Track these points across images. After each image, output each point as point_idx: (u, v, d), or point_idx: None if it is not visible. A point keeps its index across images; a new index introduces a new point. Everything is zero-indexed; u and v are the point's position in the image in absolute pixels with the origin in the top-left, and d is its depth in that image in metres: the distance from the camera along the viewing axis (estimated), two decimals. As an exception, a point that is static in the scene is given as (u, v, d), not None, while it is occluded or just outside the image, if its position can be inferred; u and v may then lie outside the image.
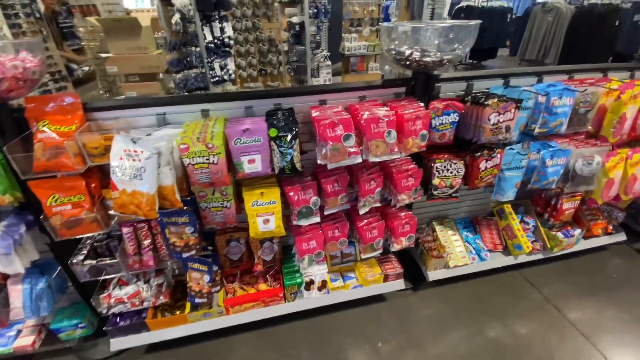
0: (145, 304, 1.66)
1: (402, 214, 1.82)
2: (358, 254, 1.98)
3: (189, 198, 1.42)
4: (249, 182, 1.51)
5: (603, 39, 5.47)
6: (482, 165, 1.71)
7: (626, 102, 1.80)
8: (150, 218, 1.22)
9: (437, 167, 1.71)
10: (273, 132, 1.33)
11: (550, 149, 1.83)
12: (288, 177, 1.51)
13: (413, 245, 1.88)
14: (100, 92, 6.02)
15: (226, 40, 4.41)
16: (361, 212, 1.64)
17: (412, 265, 2.15)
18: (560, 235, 2.16)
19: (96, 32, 5.91)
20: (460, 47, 1.52)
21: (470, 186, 1.79)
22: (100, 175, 1.38)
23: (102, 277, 1.58)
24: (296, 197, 1.48)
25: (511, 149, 1.80)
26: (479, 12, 8.08)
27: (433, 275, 2.06)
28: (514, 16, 7.93)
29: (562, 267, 2.30)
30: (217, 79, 4.35)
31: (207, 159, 1.24)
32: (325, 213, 1.63)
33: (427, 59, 1.49)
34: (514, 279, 2.23)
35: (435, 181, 1.73)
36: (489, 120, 1.59)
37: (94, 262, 1.54)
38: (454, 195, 1.78)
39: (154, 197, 1.16)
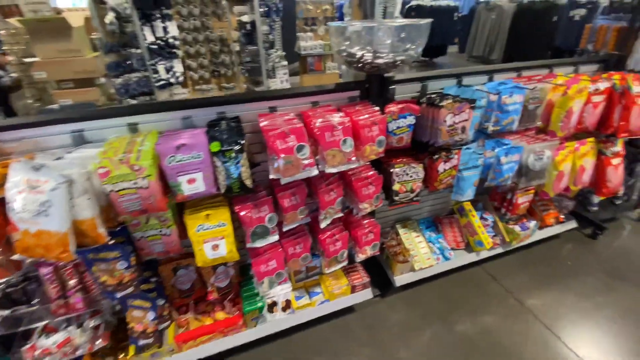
0: (80, 352, 1.42)
1: (365, 221, 1.74)
2: (323, 267, 1.87)
3: (118, 228, 1.21)
4: (192, 203, 1.33)
5: (542, 34, 5.86)
6: (441, 167, 1.68)
7: (572, 97, 1.86)
8: (64, 261, 1.01)
9: (396, 173, 1.64)
10: (215, 146, 1.17)
11: (505, 146, 1.84)
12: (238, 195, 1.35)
13: (378, 253, 1.81)
14: (29, 101, 5.36)
15: (171, 40, 4.09)
16: (322, 225, 1.53)
17: (378, 270, 2.09)
18: (517, 228, 2.22)
19: (19, 35, 5.24)
20: (413, 46, 1.46)
21: (430, 189, 1.75)
22: (3, 210, 1.13)
23: (23, 328, 1.33)
24: (249, 217, 1.33)
25: (468, 148, 1.78)
26: (428, 10, 8.34)
27: (400, 280, 2.01)
28: (460, 14, 8.28)
29: (521, 259, 2.36)
30: (162, 82, 4.02)
31: (134, 184, 1.05)
32: (284, 229, 1.49)
33: (380, 60, 1.41)
34: (478, 275, 2.25)
35: (396, 187, 1.66)
36: (445, 121, 1.55)
37: (7, 312, 1.29)
38: (415, 199, 1.73)
39: (66, 236, 0.95)
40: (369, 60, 1.41)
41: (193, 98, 5.12)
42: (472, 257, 2.21)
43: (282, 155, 1.20)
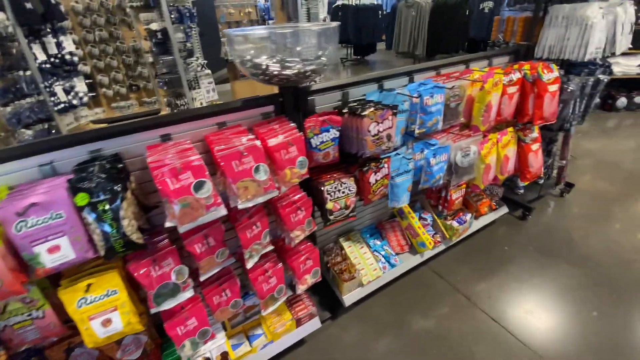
0: None
1: (302, 247, 1.57)
2: (260, 308, 1.66)
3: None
4: (69, 270, 1.04)
5: (458, 28, 6.25)
6: (372, 178, 1.57)
7: (489, 91, 1.88)
8: None
9: (328, 190, 1.50)
10: (82, 199, 0.91)
11: (432, 147, 1.81)
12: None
13: (320, 279, 1.66)
14: None
15: (67, 57, 3.54)
16: (249, 265, 1.32)
17: (326, 290, 1.95)
18: (455, 223, 2.23)
19: None
20: (325, 53, 1.32)
21: (365, 202, 1.64)
22: None
23: None
24: (147, 277, 1.08)
25: (397, 154, 1.71)
26: (354, 10, 8.50)
27: (349, 299, 1.89)
28: (384, 12, 8.56)
29: (463, 252, 2.39)
30: (62, 105, 3.46)
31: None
32: (202, 279, 1.26)
33: (289, 71, 1.25)
34: (425, 275, 2.22)
35: (329, 205, 1.52)
36: (369, 131, 1.44)
37: None
38: (351, 215, 1.61)
39: None
40: (276, 72, 1.24)
41: (61, 136, 4.54)
42: (417, 259, 2.17)
43: (176, 199, 0.97)
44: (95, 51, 5.00)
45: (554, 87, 2.05)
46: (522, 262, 2.28)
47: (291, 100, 1.38)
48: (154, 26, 3.58)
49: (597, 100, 2.51)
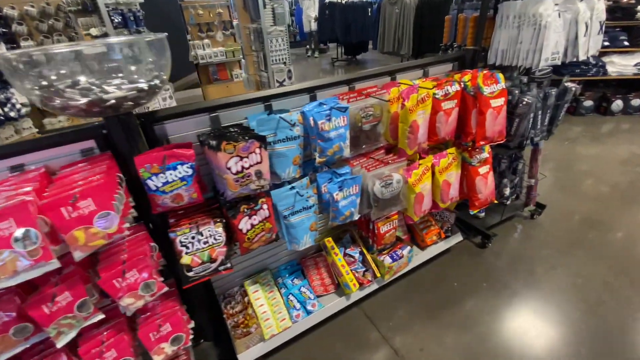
0: None
1: (159, 307, 1.29)
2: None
3: None
4: None
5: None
6: (245, 224, 1.28)
7: (412, 109, 1.56)
8: None
9: (182, 241, 1.21)
10: None
11: (338, 179, 1.50)
12: None
13: (188, 344, 1.37)
14: None
15: (0, 66, 3.31)
16: (59, 343, 1.05)
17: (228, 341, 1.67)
18: (388, 260, 1.91)
19: None
20: (148, 71, 1.03)
21: (242, 252, 1.34)
22: None
23: None
24: None
25: (292, 187, 1.41)
26: (342, 8, 8.14)
27: (246, 357, 1.60)
28: (370, 12, 8.18)
29: (403, 289, 2.07)
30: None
31: None
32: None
33: (93, 96, 0.96)
34: (355, 319, 1.91)
35: (186, 260, 1.23)
36: (229, 168, 1.15)
37: None
38: (222, 269, 1.32)
39: None
40: (76, 102, 0.96)
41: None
42: (343, 302, 1.86)
43: None
44: (56, 57, 4.80)
45: (498, 102, 1.71)
46: (471, 303, 1.95)
47: (118, 132, 1.09)
48: (94, 31, 3.34)
49: (563, 111, 2.15)
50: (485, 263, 2.24)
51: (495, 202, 2.06)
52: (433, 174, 1.82)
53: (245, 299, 1.73)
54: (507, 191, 2.52)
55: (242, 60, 5.18)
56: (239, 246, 1.32)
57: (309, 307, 1.78)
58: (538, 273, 2.13)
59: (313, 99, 1.51)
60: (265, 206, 1.30)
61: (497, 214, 2.55)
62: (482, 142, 1.77)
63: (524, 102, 1.91)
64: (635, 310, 1.83)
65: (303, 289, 1.83)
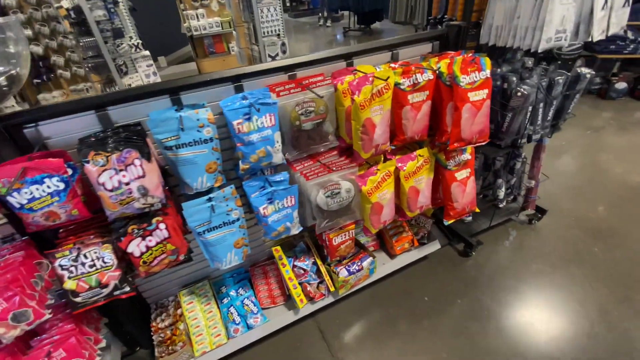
0: None
1: (54, 329, 1.15)
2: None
3: None
4: None
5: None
6: (135, 247, 1.08)
7: (364, 105, 1.27)
8: None
9: (61, 265, 1.04)
10: None
11: (267, 189, 1.26)
12: None
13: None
14: None
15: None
16: None
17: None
18: (343, 273, 1.69)
19: None
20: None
21: (141, 274, 1.16)
22: None
23: None
24: None
25: (209, 199, 1.19)
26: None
27: (174, 374, 1.48)
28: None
29: (365, 303, 1.86)
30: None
31: None
32: None
33: None
34: (306, 334, 1.74)
35: (70, 285, 1.06)
36: (102, 184, 0.94)
37: None
38: (118, 293, 1.14)
39: None
40: None
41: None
42: (289, 317, 1.69)
43: None
44: (45, 30, 4.65)
45: (478, 95, 1.37)
46: (440, 323, 1.73)
47: (-38, 141, 0.89)
48: (65, 3, 3.11)
49: (574, 102, 1.77)
50: (465, 275, 1.98)
51: (477, 211, 1.76)
52: (398, 179, 1.54)
53: (178, 310, 1.58)
54: (502, 193, 2.19)
55: (234, 32, 4.83)
56: (136, 270, 1.13)
57: (250, 322, 1.61)
58: (522, 292, 1.85)
59: (239, 90, 1.24)
60: (162, 226, 1.09)
61: (489, 217, 2.25)
62: (456, 144, 1.46)
63: (519, 94, 1.55)
64: (632, 348, 1.55)
65: (246, 301, 1.66)
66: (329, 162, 1.39)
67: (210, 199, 1.20)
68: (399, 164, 1.51)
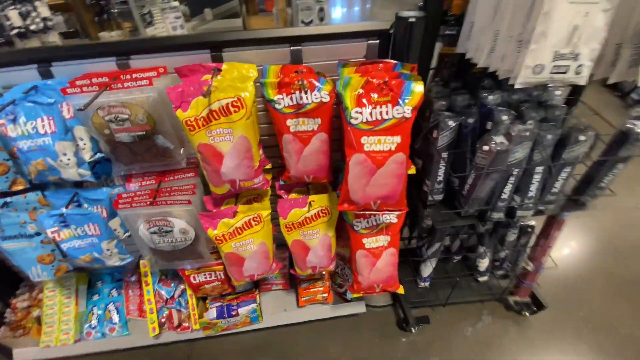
0: None
1: None
2: None
3: None
4: None
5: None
6: None
7: (193, 126, 0.87)
8: None
9: None
10: None
11: (52, 212, 0.99)
12: None
13: None
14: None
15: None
16: None
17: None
18: (211, 314, 1.39)
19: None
20: None
21: None
22: None
23: None
24: None
25: (5, 203, 0.99)
26: None
27: (20, 354, 1.42)
28: None
29: (252, 345, 1.55)
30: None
31: None
32: None
33: None
34: (174, 358, 1.54)
35: None
36: None
37: None
38: None
39: None
40: None
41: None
42: (146, 338, 1.48)
43: None
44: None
45: (381, 144, 0.84)
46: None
47: None
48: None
49: (616, 171, 1.06)
50: (389, 356, 1.52)
51: (400, 292, 1.25)
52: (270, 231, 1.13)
53: (40, 295, 1.50)
54: (483, 265, 1.59)
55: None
56: None
57: (105, 330, 1.46)
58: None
59: (46, 75, 0.94)
60: None
61: (464, 289, 1.66)
62: (346, 206, 0.96)
63: (486, 148, 0.94)
64: None
65: (111, 307, 1.50)
66: (168, 189, 1.05)
67: (6, 203, 0.99)
68: (280, 209, 1.09)
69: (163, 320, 1.46)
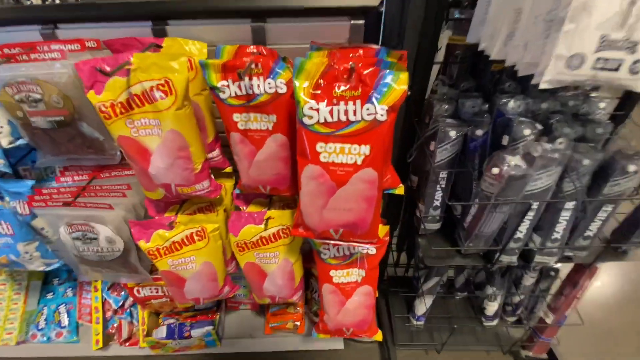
0: None
1: None
2: None
3: None
4: None
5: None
6: None
7: (109, 113, 0.69)
8: None
9: None
10: None
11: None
12: None
13: None
14: None
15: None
16: None
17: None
18: (160, 333, 1.21)
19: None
20: None
21: None
22: None
23: None
24: None
25: None
26: None
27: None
28: None
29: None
30: None
31: None
32: None
33: None
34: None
35: None
36: None
37: None
38: None
39: None
40: None
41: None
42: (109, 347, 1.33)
43: None
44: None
45: (345, 155, 0.62)
46: None
47: None
48: None
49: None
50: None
51: (377, 339, 1.01)
52: (214, 251, 0.93)
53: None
54: (492, 308, 1.31)
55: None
56: None
57: (52, 334, 1.32)
58: None
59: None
60: None
61: (466, 334, 1.39)
62: (301, 231, 0.74)
63: (495, 171, 0.69)
64: None
65: (62, 308, 1.36)
66: (97, 188, 0.87)
67: None
68: (229, 224, 0.89)
69: (112, 331, 1.30)
